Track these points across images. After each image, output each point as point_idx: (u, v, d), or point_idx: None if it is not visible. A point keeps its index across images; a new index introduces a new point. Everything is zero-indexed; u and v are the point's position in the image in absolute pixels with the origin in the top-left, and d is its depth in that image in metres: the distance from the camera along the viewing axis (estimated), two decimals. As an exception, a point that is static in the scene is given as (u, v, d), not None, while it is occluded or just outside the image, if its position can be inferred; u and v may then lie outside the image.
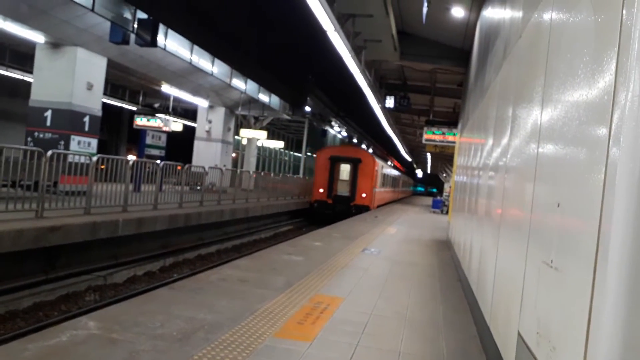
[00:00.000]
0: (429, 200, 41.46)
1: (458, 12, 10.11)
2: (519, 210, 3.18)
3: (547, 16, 2.87)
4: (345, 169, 23.79)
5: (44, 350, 3.33)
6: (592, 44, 1.92)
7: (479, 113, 7.29)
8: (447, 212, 23.05)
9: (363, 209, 23.19)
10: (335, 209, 22.56)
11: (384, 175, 29.44)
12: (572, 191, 2.03)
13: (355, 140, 35.52)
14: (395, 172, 39.03)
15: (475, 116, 8.00)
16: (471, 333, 4.84)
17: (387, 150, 52.41)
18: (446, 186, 39.22)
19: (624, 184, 1.49)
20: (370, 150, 35.26)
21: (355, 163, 23.79)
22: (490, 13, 7.11)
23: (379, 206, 26.98)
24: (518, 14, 4.12)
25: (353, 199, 23.55)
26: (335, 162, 23.69)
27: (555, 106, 2.41)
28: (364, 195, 23.70)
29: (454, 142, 15.66)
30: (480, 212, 5.68)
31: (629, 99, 1.49)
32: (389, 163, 31.96)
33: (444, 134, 16.41)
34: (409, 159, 57.71)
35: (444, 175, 50.16)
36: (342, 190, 23.63)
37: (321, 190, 23.61)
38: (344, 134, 36.85)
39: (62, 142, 12.13)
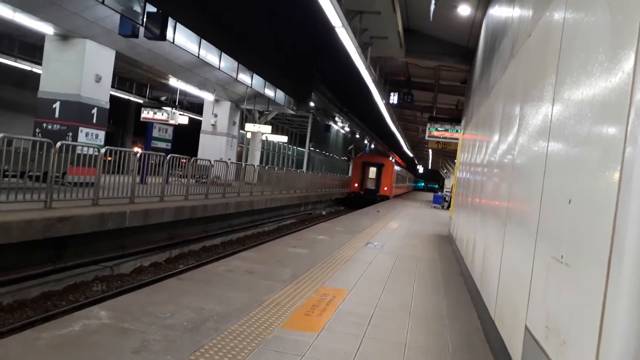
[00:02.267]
0: (429, 196, 41.47)
1: (464, 10, 10.12)
2: (527, 206, 3.23)
3: (559, 15, 2.90)
4: (372, 171, 33.85)
5: (57, 339, 3.39)
6: (608, 43, 1.96)
7: (484, 110, 7.32)
8: (448, 208, 23.18)
9: (384, 198, 32.90)
10: (366, 198, 31.61)
11: (397, 175, 39.69)
12: (585, 188, 2.07)
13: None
14: (404, 172, 50.42)
15: (480, 113, 8.04)
16: (475, 326, 4.91)
17: (389, 145, 52.42)
18: (447, 182, 39.26)
19: None
20: (392, 159, 44.67)
21: (379, 167, 34.10)
22: (497, 12, 7.13)
23: (395, 196, 37.71)
24: (527, 13, 4.15)
25: (378, 191, 33.35)
26: (365, 165, 34.18)
27: (567, 104, 2.45)
28: (385, 188, 33.77)
29: (456, 139, 15.70)
30: (485, 208, 5.73)
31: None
32: (397, 168, 40.64)
33: (446, 130, 16.45)
34: (411, 155, 57.70)
35: (445, 171, 50.20)
36: (371, 185, 33.63)
37: (356, 185, 33.69)
38: (347, 129, 36.86)
39: (70, 134, 12.18)
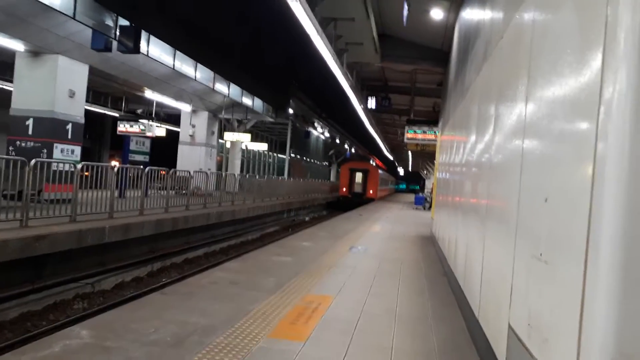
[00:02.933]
0: (411, 197, 41.83)
1: (437, 14, 10.25)
2: (505, 205, 3.27)
3: (529, 16, 2.95)
4: (359, 176, 37.39)
5: (37, 361, 3.31)
6: (577, 42, 2.00)
7: (460, 112, 7.40)
8: (429, 208, 23.37)
9: (371, 200, 35.72)
10: (354, 201, 34.34)
11: (381, 179, 42.53)
12: (560, 186, 2.10)
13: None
14: (386, 175, 53.81)
15: (456, 115, 8.12)
16: (460, 326, 4.93)
17: (369, 149, 52.75)
18: (428, 183, 39.80)
19: (613, 179, 1.55)
20: (373, 163, 48.89)
21: (365, 172, 37.84)
22: (470, 14, 7.23)
23: (380, 197, 40.17)
24: (499, 15, 4.21)
25: (365, 194, 36.60)
26: (352, 171, 37.72)
27: (540, 104, 2.49)
28: (371, 191, 37.14)
29: (434, 140, 15.84)
30: (465, 208, 5.78)
31: (615, 95, 1.55)
32: (381, 172, 43.87)
33: (424, 132, 16.59)
34: (391, 158, 58.10)
35: (425, 172, 50.77)
36: (358, 189, 37.06)
37: (344, 189, 37.13)
38: (327, 134, 36.95)
39: (45, 151, 11.97)
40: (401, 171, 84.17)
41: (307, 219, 25.80)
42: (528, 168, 2.70)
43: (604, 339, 1.53)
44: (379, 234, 13.28)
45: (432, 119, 17.57)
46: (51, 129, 12.14)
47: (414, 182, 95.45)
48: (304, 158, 50.95)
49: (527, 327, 2.45)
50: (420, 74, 15.57)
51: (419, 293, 6.34)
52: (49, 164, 9.19)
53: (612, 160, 1.56)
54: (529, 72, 2.78)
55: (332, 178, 55.67)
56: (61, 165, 9.65)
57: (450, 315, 5.37)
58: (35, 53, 12.14)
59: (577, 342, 1.70)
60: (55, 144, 12.17)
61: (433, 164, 19.73)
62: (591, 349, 1.61)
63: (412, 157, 44.76)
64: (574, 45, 2.02)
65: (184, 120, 22.43)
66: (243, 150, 30.73)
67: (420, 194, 33.48)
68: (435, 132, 16.06)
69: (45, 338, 3.96)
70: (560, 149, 2.14)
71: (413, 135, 16.73)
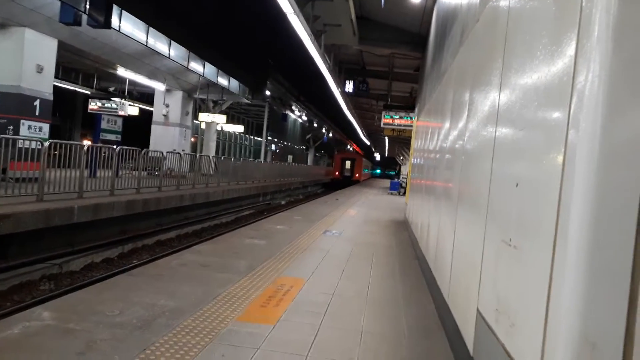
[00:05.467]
0: (386, 183, 42.20)
1: (415, -3, 10.16)
2: (477, 190, 3.26)
3: None
4: (348, 163, 48.79)
5: (-6, 343, 3.20)
6: (551, 25, 1.96)
7: (436, 97, 7.39)
8: (404, 194, 23.57)
9: (356, 182, 46.95)
10: (343, 182, 44.90)
11: (364, 165, 55.04)
12: (531, 172, 2.09)
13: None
14: (367, 162, 65.58)
15: (432, 100, 8.12)
16: (430, 310, 4.97)
17: (346, 134, 52.87)
18: (403, 169, 40.35)
19: (584, 165, 1.53)
20: (350, 148, 62.35)
21: (352, 160, 49.50)
22: (448, -3, 7.18)
23: (363, 180, 53.09)
24: (476, -2, 4.17)
25: (352, 177, 47.77)
26: (344, 160, 49.31)
27: (514, 89, 2.46)
28: (357, 175, 48.64)
29: (411, 126, 15.90)
30: (438, 192, 5.79)
31: (589, 80, 1.52)
32: (364, 160, 55.01)
33: (401, 117, 16.62)
34: (368, 143, 58.27)
35: (401, 158, 51.57)
36: (347, 173, 48.03)
37: (337, 173, 47.97)
38: (305, 118, 36.77)
39: (11, 127, 11.58)
40: (377, 156, 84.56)
41: (283, 202, 25.73)
42: (500, 154, 2.68)
43: (570, 325, 1.53)
44: (354, 218, 13.31)
45: (409, 105, 17.62)
46: (18, 104, 11.74)
47: (390, 168, 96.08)
48: (281, 141, 50.89)
49: (494, 312, 2.46)
50: (398, 59, 15.51)
51: (391, 276, 6.37)
52: (15, 141, 8.89)
53: (582, 147, 1.54)
54: (504, 57, 2.75)
55: (309, 162, 55.85)
56: (28, 142, 9.35)
57: (420, 298, 5.41)
58: (0, 25, 11.67)
59: (543, 327, 1.70)
60: (22, 121, 11.80)
61: (409, 149, 19.85)
62: (557, 335, 1.60)
63: (388, 142, 45.06)
64: (549, 29, 1.98)
65: (157, 99, 22.02)
66: (218, 132, 30.37)
67: (396, 180, 33.72)
68: (411, 118, 16.10)
69: (3, 320, 3.83)
70: (532, 135, 2.12)
71: (390, 120, 16.76)
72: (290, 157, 52.99)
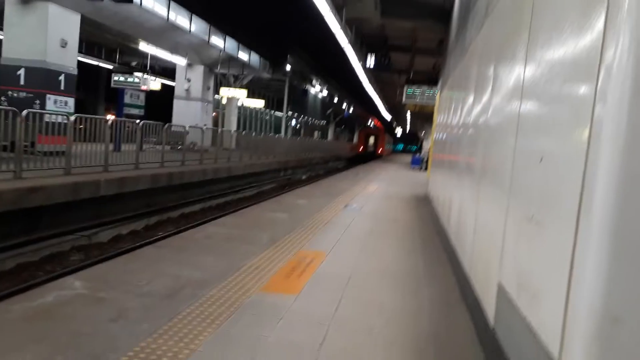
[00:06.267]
0: (408, 158, 41.98)
1: (441, -32, 9.93)
2: (500, 166, 3.25)
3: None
4: (371, 139, 52.35)
5: (29, 312, 3.33)
6: (580, -1, 1.94)
7: (459, 71, 7.29)
8: (426, 169, 23.46)
9: (379, 156, 48.97)
10: (367, 156, 45.61)
11: (387, 141, 58.51)
12: (556, 147, 2.08)
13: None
14: (389, 137, 68.57)
15: (455, 74, 8.01)
16: (451, 284, 5.01)
17: (367, 109, 52.44)
18: (425, 144, 40.03)
19: (610, 140, 1.52)
20: (371, 123, 62.40)
21: (376, 136, 53.24)
22: (474, -32, 7.00)
23: (386, 154, 55.42)
24: (503, -31, 4.08)
25: (375, 151, 50.62)
26: (368, 135, 52.86)
27: (540, 63, 2.43)
28: (380, 150, 51.72)
29: (433, 100, 15.71)
30: (460, 168, 5.77)
31: (617, 54, 1.51)
32: (386, 136, 57.84)
33: (423, 92, 16.43)
34: (389, 118, 57.80)
35: (423, 132, 51.16)
36: (370, 148, 51.07)
37: (361, 148, 50.15)
38: (325, 93, 36.57)
39: (38, 102, 11.81)
40: (399, 132, 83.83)
41: (303, 177, 25.84)
42: (524, 129, 2.67)
43: (592, 299, 1.55)
44: (374, 193, 13.33)
45: (431, 79, 17.37)
46: (44, 79, 11.94)
47: (412, 143, 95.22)
48: (302, 116, 50.79)
49: (516, 286, 2.49)
50: (421, 32, 15.23)
51: (412, 251, 6.41)
52: (42, 115, 9.08)
53: (609, 122, 1.54)
54: (530, 31, 2.71)
55: (330, 137, 55.81)
56: (54, 116, 9.54)
57: (441, 273, 5.45)
58: (24, 0, 11.80)
59: (565, 301, 1.73)
60: (48, 95, 12.00)
61: (431, 125, 19.70)
62: (579, 308, 1.63)
63: (410, 117, 44.61)
64: (577, 3, 1.95)
65: (179, 74, 22.12)
66: (239, 107, 30.44)
67: (417, 155, 33.47)
68: (434, 92, 15.90)
69: (38, 288, 3.99)
70: (557, 110, 2.11)
71: (412, 94, 16.58)
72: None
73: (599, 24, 1.67)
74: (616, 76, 1.52)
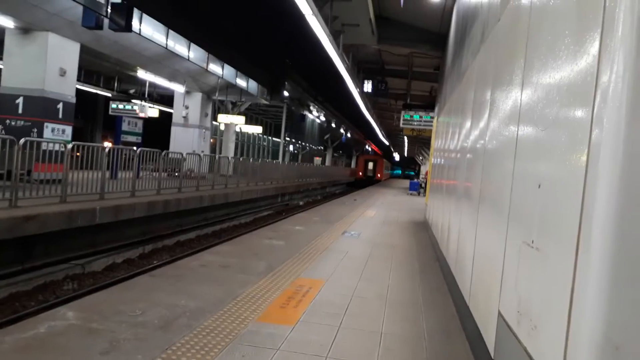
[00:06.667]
0: (406, 183, 42.04)
1: (435, -4, 10.10)
2: (499, 191, 3.22)
3: (526, -2, 2.88)
4: (370, 164, 54.23)
5: (21, 343, 3.27)
6: (574, 25, 1.93)
7: (456, 96, 7.34)
8: (424, 194, 23.43)
9: (377, 181, 51.58)
10: (366, 181, 49.35)
11: (385, 166, 59.22)
12: (554, 172, 2.06)
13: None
14: (387, 163, 68.48)
15: (452, 99, 8.05)
16: (450, 312, 4.93)
17: (365, 134, 52.77)
18: (423, 169, 40.19)
19: (607, 165, 1.51)
20: (369, 148, 67.35)
21: (375, 161, 55.06)
22: (468, -4, 7.11)
23: (385, 180, 58.01)
24: (496, -3, 4.12)
25: (374, 177, 52.88)
26: (367, 161, 55.12)
27: (536, 88, 2.43)
28: (379, 175, 53.85)
29: (430, 125, 15.78)
30: (459, 193, 5.74)
31: (612, 80, 1.50)
32: (384, 161, 59.42)
33: (421, 117, 16.52)
34: (387, 143, 58.12)
35: (421, 158, 52.03)
36: (369, 173, 53.22)
37: (360, 173, 53.09)
38: (323, 118, 36.79)
39: (35, 130, 11.82)
40: (397, 156, 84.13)
41: (301, 203, 25.78)
42: (522, 154, 2.65)
43: (593, 328, 1.51)
44: (372, 219, 13.27)
45: (428, 104, 17.50)
46: (42, 108, 11.98)
47: (410, 168, 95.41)
48: (299, 142, 51.10)
49: (516, 314, 2.43)
50: (418, 58, 15.42)
51: (411, 278, 6.33)
52: (39, 143, 9.07)
53: (606, 146, 1.52)
54: (526, 56, 2.72)
55: (327, 162, 56.08)
56: (51, 144, 9.53)
57: (441, 300, 5.37)
58: (25, 30, 11.94)
59: (565, 330, 1.68)
60: (45, 124, 12.03)
61: (428, 149, 19.77)
62: (580, 338, 1.59)
63: (407, 142, 44.83)
64: (572, 28, 1.96)
65: (177, 101, 22.25)
66: (237, 133, 30.58)
67: (415, 180, 33.50)
68: (431, 117, 15.99)
69: (30, 319, 3.91)
70: (555, 134, 2.09)
71: (409, 119, 16.68)
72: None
73: (594, 49, 1.66)
74: (612, 101, 1.50)
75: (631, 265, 1.45)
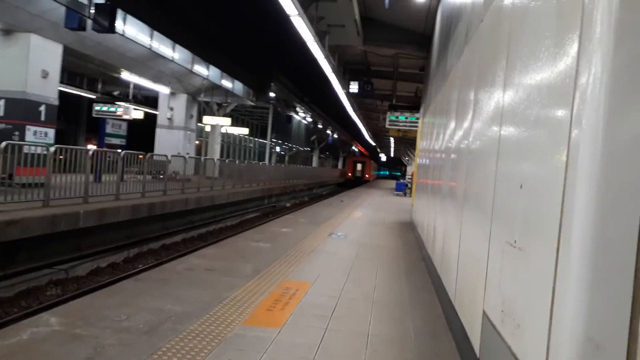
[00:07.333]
0: (392, 184, 42.20)
1: (419, -3, 10.16)
2: (482, 191, 3.24)
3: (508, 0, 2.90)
4: (359, 165, 56.63)
5: (4, 350, 3.22)
6: (554, 27, 1.95)
7: (441, 97, 7.38)
8: (410, 195, 23.53)
9: (366, 181, 54.36)
10: (355, 181, 51.91)
11: (373, 167, 63.78)
12: (535, 173, 2.08)
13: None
14: (375, 165, 73.33)
15: (437, 100, 8.10)
16: (437, 312, 4.95)
17: (351, 135, 52.79)
18: (409, 169, 40.30)
19: (586, 165, 1.52)
20: (355, 149, 66.87)
21: (363, 163, 57.50)
22: (452, -3, 7.16)
23: (372, 180, 62.00)
24: (479, -2, 4.15)
25: (363, 177, 55.33)
26: (355, 162, 57.28)
27: (517, 89, 2.45)
28: (367, 175, 56.26)
29: (416, 126, 15.85)
30: (444, 193, 5.77)
31: (590, 81, 1.52)
32: (373, 163, 63.69)
33: (406, 118, 16.59)
34: (373, 144, 58.34)
35: (407, 158, 52.00)
36: (358, 174, 55.51)
37: (349, 174, 55.28)
38: (309, 119, 36.78)
39: (17, 133, 11.66)
40: (383, 157, 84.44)
41: (288, 205, 25.73)
42: (504, 154, 2.67)
43: (574, 327, 1.53)
44: (359, 220, 13.30)
45: (414, 105, 17.58)
46: (23, 110, 11.82)
47: (396, 169, 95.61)
48: (285, 143, 51.02)
49: (500, 313, 2.44)
50: (403, 59, 15.49)
51: (397, 279, 6.35)
52: (21, 146, 8.94)
53: (585, 146, 1.53)
54: (508, 57, 2.74)
55: (314, 164, 56.17)
56: (34, 148, 9.40)
57: (427, 300, 5.39)
58: (6, 31, 11.78)
59: (547, 328, 1.70)
60: (27, 126, 11.87)
61: (414, 150, 19.87)
62: (561, 336, 1.61)
63: (394, 143, 45.01)
64: (552, 29, 1.98)
65: (162, 103, 22.10)
66: (223, 135, 30.44)
67: (401, 180, 33.63)
68: (417, 118, 16.06)
69: (12, 326, 3.85)
70: (536, 135, 2.11)
71: (395, 120, 16.73)
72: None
73: (573, 51, 1.68)
74: (590, 102, 1.52)
75: (610, 264, 1.47)
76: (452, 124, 5.39)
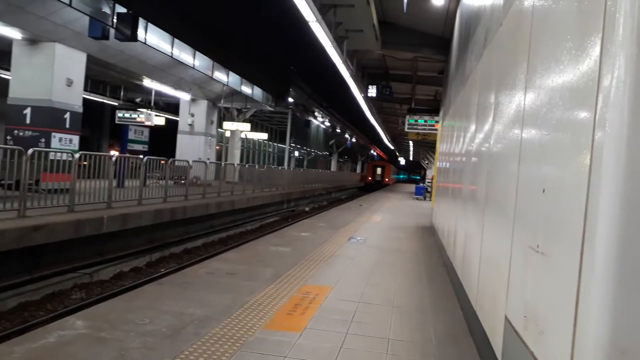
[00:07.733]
0: (411, 187, 41.97)
1: (438, 1, 10.12)
2: (504, 195, 3.22)
3: (528, 3, 2.88)
4: (379, 170, 58.64)
5: (31, 353, 3.29)
6: (576, 30, 1.94)
7: (460, 100, 7.34)
8: (430, 199, 23.36)
9: (386, 185, 55.65)
10: (375, 185, 53.71)
11: (392, 171, 65.73)
12: (558, 176, 2.06)
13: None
14: (394, 169, 75.16)
15: (457, 103, 8.06)
16: (458, 317, 4.91)
17: (370, 139, 52.70)
18: (428, 173, 39.96)
19: (611, 169, 1.51)
20: (374, 153, 69.41)
21: (383, 167, 59.33)
22: (470, 1, 7.13)
23: (392, 184, 64.42)
24: (499, 2, 4.13)
25: (382, 181, 57.04)
26: (375, 167, 59.52)
27: (539, 92, 2.43)
28: (386, 179, 58.12)
29: (435, 129, 15.77)
30: (465, 197, 5.74)
31: (613, 84, 1.51)
32: (392, 167, 65.40)
33: (425, 121, 16.50)
34: (392, 147, 58.16)
35: (426, 162, 51.67)
36: (378, 177, 57.65)
37: (370, 178, 57.58)
38: (327, 124, 36.84)
39: (43, 140, 11.92)
40: (402, 161, 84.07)
41: (307, 209, 25.77)
42: (526, 158, 2.65)
43: (599, 332, 1.51)
44: (378, 224, 13.26)
45: (433, 108, 17.49)
46: (49, 118, 12.08)
47: (415, 173, 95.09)
48: (304, 148, 51.09)
49: (523, 319, 2.42)
50: (422, 62, 15.42)
51: (418, 284, 6.31)
52: (47, 153, 9.14)
53: (609, 149, 1.52)
54: (529, 60, 2.72)
55: (333, 168, 56.24)
56: (59, 154, 9.60)
57: (448, 306, 5.35)
58: (32, 41, 12.05)
59: (572, 334, 1.68)
60: (53, 133, 12.12)
61: (434, 153, 19.74)
62: (586, 342, 1.58)
63: (413, 146, 44.80)
64: (573, 32, 1.96)
65: (183, 109, 22.34)
66: (243, 140, 30.66)
67: (421, 184, 33.40)
68: (436, 121, 15.98)
69: (39, 329, 3.94)
70: (558, 138, 2.09)
71: (414, 124, 16.66)
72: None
73: (595, 53, 1.67)
74: (614, 105, 1.51)
75: (636, 269, 1.45)
76: (473, 127, 5.35)
